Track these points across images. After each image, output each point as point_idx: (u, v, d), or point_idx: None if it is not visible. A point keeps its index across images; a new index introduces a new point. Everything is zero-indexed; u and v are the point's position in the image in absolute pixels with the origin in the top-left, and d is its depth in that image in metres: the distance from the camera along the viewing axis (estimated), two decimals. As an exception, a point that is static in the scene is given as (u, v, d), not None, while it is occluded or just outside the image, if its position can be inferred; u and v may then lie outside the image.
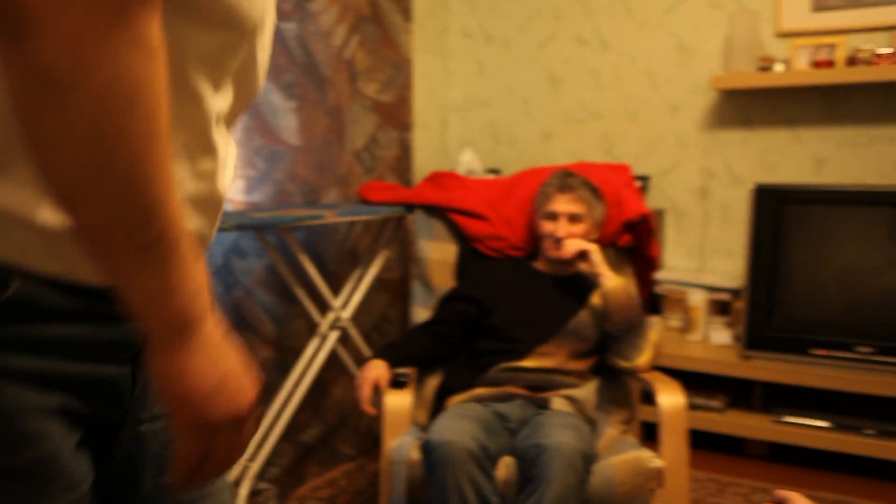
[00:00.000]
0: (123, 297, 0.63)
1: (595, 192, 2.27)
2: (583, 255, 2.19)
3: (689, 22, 3.10)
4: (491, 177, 3.29)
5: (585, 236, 2.23)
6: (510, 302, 2.21)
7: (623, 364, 2.13)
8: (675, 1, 3.12)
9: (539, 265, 2.31)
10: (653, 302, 3.15)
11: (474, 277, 2.33)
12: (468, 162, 3.26)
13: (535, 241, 2.38)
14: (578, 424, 1.86)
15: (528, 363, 2.11)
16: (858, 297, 2.63)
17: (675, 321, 3.11)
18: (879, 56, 2.65)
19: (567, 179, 2.25)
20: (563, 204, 2.23)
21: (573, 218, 2.23)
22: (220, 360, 0.69)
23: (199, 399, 0.67)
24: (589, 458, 1.77)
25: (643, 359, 2.11)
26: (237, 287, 2.50)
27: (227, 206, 2.43)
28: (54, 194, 0.58)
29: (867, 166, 2.83)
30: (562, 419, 1.86)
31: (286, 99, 2.59)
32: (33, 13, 0.50)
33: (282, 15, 2.56)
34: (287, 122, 2.61)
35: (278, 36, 2.55)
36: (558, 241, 2.21)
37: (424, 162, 3.39)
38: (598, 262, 2.16)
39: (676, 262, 3.21)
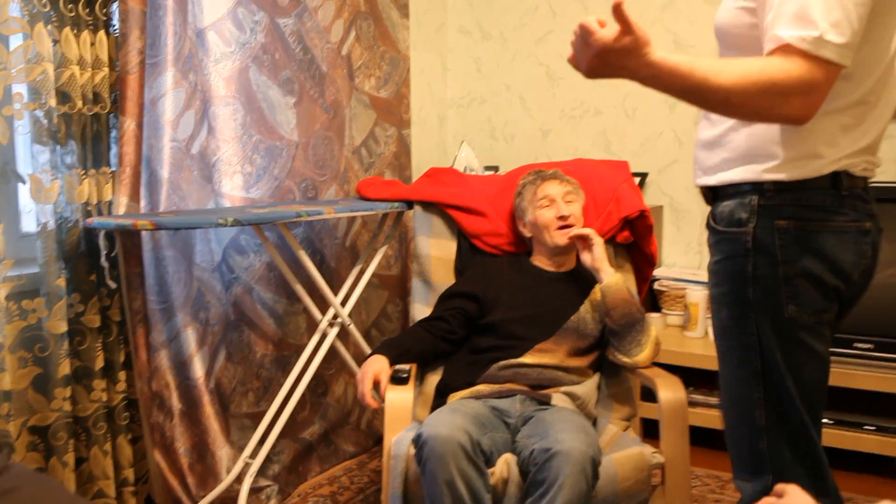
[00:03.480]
0: None
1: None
2: (587, 243, 2.18)
3: (685, 18, 3.10)
4: (489, 173, 3.28)
5: (583, 215, 2.27)
6: (509, 299, 2.20)
7: (624, 360, 2.12)
8: (673, -3, 3.12)
9: (537, 261, 2.30)
10: (652, 298, 3.15)
11: (473, 274, 2.32)
12: (466, 158, 3.25)
13: (526, 242, 2.38)
14: (585, 426, 1.85)
15: (527, 360, 2.10)
16: (857, 293, 2.63)
17: (674, 318, 3.11)
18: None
19: (543, 171, 2.32)
20: (554, 187, 2.26)
21: (567, 197, 2.25)
22: None
23: None
24: (598, 462, 1.76)
25: (644, 355, 2.11)
26: (237, 283, 2.49)
27: (225, 203, 2.42)
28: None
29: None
30: (568, 421, 1.85)
31: (284, 94, 2.58)
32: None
33: (279, 10, 2.55)
34: (286, 117, 2.60)
35: (276, 31, 2.54)
36: (564, 221, 2.22)
37: (422, 158, 3.38)
38: (600, 256, 2.16)
39: (675, 259, 3.21)
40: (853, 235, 1.44)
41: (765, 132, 1.42)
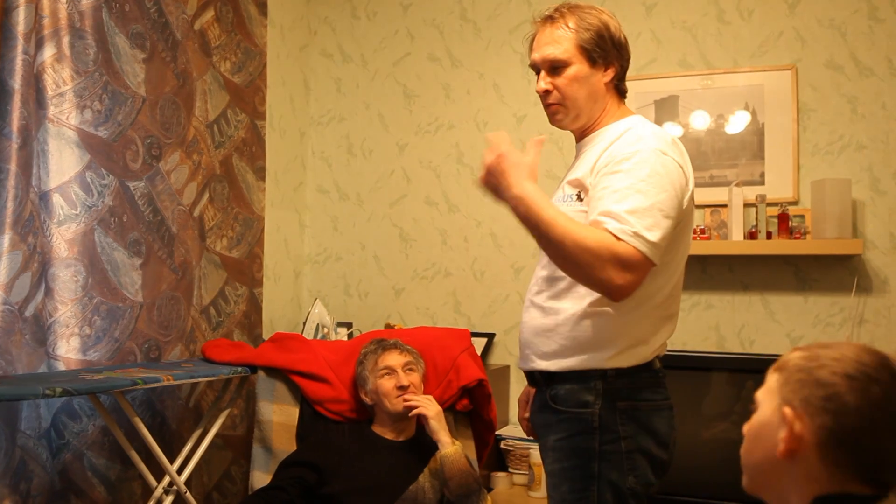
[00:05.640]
0: None
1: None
2: (423, 418, 2.24)
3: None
4: (342, 330, 3.33)
5: (423, 384, 2.34)
6: (349, 468, 2.21)
7: (460, 531, 2.15)
8: (517, 170, 3.35)
9: (379, 429, 2.33)
10: (499, 457, 3.20)
11: (314, 442, 2.32)
12: (319, 315, 3.29)
13: (368, 409, 2.42)
14: None
15: (365, 533, 2.09)
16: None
17: (520, 477, 3.16)
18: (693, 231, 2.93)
19: (384, 341, 2.39)
20: (394, 357, 2.33)
21: (407, 367, 2.33)
22: None
23: None
24: None
25: (479, 525, 2.14)
26: (66, 450, 2.38)
27: (60, 366, 2.34)
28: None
29: (688, 331, 3.05)
30: None
31: (131, 256, 2.57)
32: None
33: (130, 174, 2.58)
34: (131, 278, 2.57)
35: (126, 194, 2.56)
36: (404, 391, 2.27)
37: (276, 314, 3.40)
38: (438, 428, 2.21)
39: (520, 417, 3.30)
40: (667, 412, 1.62)
41: (604, 324, 1.56)
